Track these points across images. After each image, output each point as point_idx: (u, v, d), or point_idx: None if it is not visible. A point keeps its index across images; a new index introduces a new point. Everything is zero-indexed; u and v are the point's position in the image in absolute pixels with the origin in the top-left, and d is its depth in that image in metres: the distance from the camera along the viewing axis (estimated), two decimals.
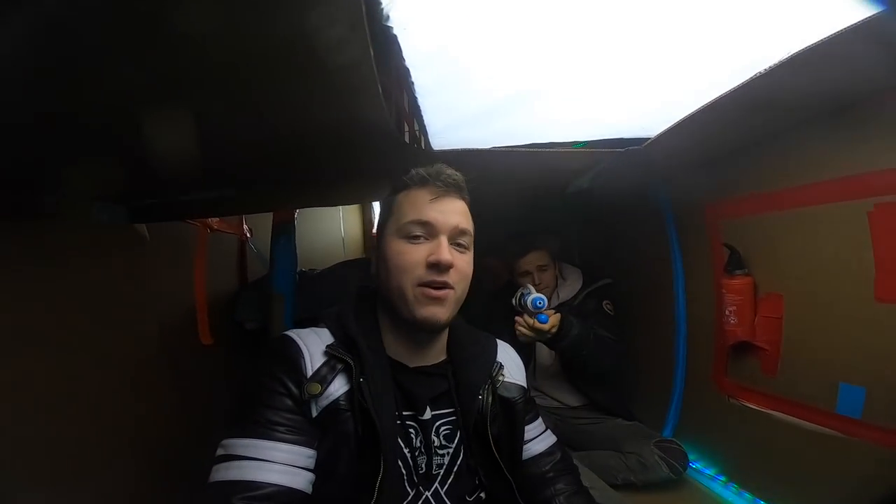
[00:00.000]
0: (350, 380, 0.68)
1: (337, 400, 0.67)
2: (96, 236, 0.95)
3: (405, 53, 0.80)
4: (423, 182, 0.73)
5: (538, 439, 0.89)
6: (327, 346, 0.71)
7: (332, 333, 0.73)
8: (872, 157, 0.92)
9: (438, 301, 0.69)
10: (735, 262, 1.23)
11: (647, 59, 0.88)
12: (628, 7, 0.78)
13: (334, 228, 2.07)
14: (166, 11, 0.44)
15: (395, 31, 0.75)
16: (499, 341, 0.89)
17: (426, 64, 0.82)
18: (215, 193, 1.10)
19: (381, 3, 0.67)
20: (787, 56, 0.79)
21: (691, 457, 1.34)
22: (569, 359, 1.46)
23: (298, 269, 1.38)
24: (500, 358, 0.84)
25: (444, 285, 0.69)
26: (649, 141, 1.13)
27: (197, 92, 0.62)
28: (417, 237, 0.71)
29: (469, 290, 0.75)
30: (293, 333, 0.74)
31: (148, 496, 0.97)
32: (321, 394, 0.67)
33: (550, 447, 0.89)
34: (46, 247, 0.83)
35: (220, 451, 0.63)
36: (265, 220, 1.41)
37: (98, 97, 0.58)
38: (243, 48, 0.52)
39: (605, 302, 1.57)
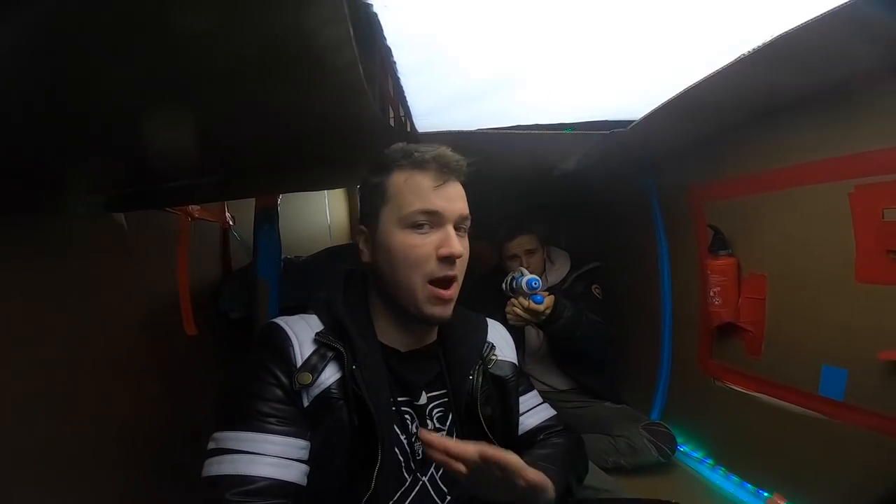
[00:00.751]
0: (342, 367, 0.67)
1: (329, 388, 0.66)
2: (71, 227, 0.92)
3: (386, 33, 0.78)
4: (422, 165, 0.69)
5: (533, 412, 0.88)
6: (317, 334, 0.69)
7: (321, 320, 0.72)
8: (853, 139, 0.92)
9: (447, 301, 0.69)
10: (719, 243, 1.24)
11: (631, 40, 0.87)
12: None
13: (320, 214, 2.04)
14: None
15: (376, 10, 0.72)
16: (489, 320, 0.88)
17: (408, 44, 0.80)
18: (196, 181, 1.07)
19: None
20: (768, 40, 0.78)
21: (679, 440, 1.35)
22: (561, 341, 1.45)
23: (283, 256, 1.36)
24: (490, 337, 0.84)
25: (454, 280, 0.69)
26: (634, 123, 1.12)
27: (183, 83, 0.60)
28: (423, 226, 0.68)
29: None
30: (281, 321, 0.72)
31: (133, 489, 0.95)
32: (312, 383, 0.65)
33: (548, 420, 0.88)
34: (21, 240, 0.80)
35: (211, 445, 0.62)
36: (248, 208, 1.38)
37: (84, 91, 0.56)
38: (234, 43, 0.51)
39: (593, 286, 1.57)
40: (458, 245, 0.68)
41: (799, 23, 0.73)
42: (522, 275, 1.35)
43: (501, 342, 0.86)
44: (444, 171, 0.69)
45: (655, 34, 0.87)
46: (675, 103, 1.01)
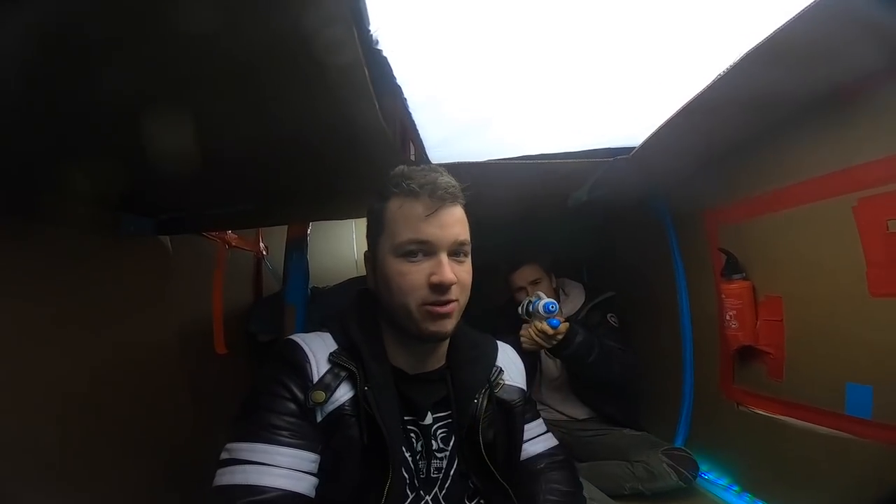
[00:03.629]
0: (354, 387, 0.69)
1: (342, 406, 0.68)
2: (124, 246, 1.03)
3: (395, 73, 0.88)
4: (414, 194, 0.69)
5: (537, 440, 0.89)
6: (331, 354, 0.71)
7: (336, 339, 0.74)
8: (854, 150, 0.93)
9: (444, 316, 0.69)
10: (732, 267, 1.24)
11: (631, 67, 0.91)
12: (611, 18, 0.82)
13: (346, 246, 2.15)
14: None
15: (385, 55, 0.82)
16: (500, 344, 0.88)
17: (415, 81, 0.89)
18: (234, 208, 1.19)
19: (369, 30, 0.75)
20: (754, 46, 0.78)
21: (703, 467, 1.30)
22: (575, 367, 1.44)
23: (311, 285, 1.45)
24: (500, 361, 0.84)
25: (448, 301, 0.69)
26: (634, 150, 1.16)
27: (217, 101, 0.67)
28: (415, 254, 0.69)
29: (473, 304, 0.76)
30: (299, 338, 0.75)
31: (157, 501, 0.99)
32: (326, 401, 0.68)
33: (551, 449, 0.88)
34: (77, 254, 0.89)
35: (224, 455, 0.63)
36: (280, 240, 1.50)
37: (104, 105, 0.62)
38: (251, 50, 0.57)
39: (609, 315, 1.57)
40: (449, 272, 0.68)
41: (791, 17, 0.71)
42: (539, 298, 1.35)
43: (511, 366, 0.87)
44: (436, 198, 0.69)
45: (652, 61, 0.90)
46: (670, 125, 1.04)
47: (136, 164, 0.80)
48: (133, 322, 1.03)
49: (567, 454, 0.90)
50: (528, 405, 0.88)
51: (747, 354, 1.23)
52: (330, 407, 0.68)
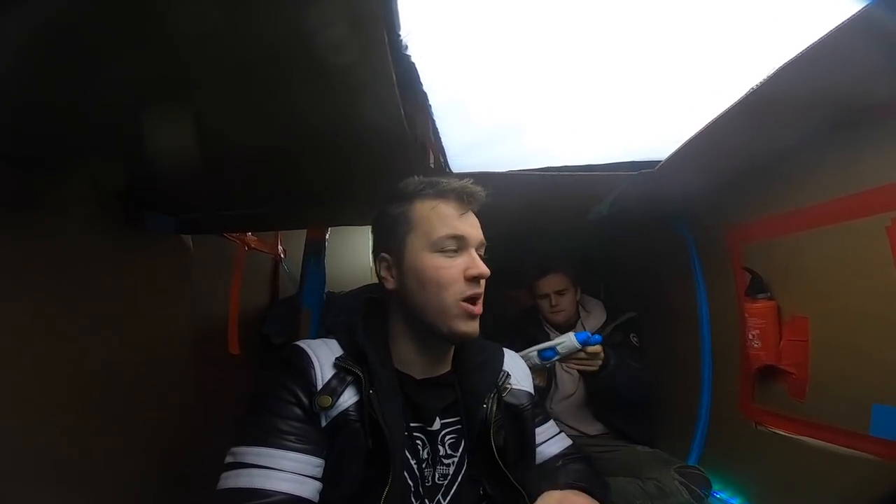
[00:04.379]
0: (360, 391, 0.70)
1: (346, 411, 0.69)
2: (146, 242, 1.05)
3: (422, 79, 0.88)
4: (445, 195, 0.76)
5: (552, 441, 0.89)
6: (337, 359, 0.73)
7: (342, 345, 0.76)
8: (889, 168, 0.91)
9: (476, 317, 0.73)
10: (756, 286, 1.22)
11: (657, 77, 0.91)
12: (633, 29, 0.83)
13: (362, 253, 2.16)
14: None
15: (413, 60, 0.83)
16: (506, 350, 0.89)
17: (441, 89, 0.90)
18: (255, 210, 1.20)
19: (399, 34, 0.76)
20: (787, 60, 0.78)
21: (716, 486, 1.28)
22: (604, 388, 1.39)
23: (327, 290, 1.45)
24: (506, 366, 0.85)
25: (480, 297, 0.74)
26: (660, 164, 1.15)
27: (239, 101, 0.67)
28: (451, 251, 0.73)
29: (490, 317, 0.78)
30: (304, 344, 0.76)
31: (161, 500, 0.99)
32: (331, 406, 0.69)
33: (567, 448, 0.89)
34: (98, 249, 0.90)
35: (229, 459, 0.65)
36: (298, 243, 1.51)
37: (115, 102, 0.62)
38: (263, 50, 0.57)
39: (631, 335, 1.57)
40: (484, 265, 0.73)
41: (817, 40, 0.72)
42: (563, 340, 1.23)
43: (517, 370, 0.88)
44: (465, 201, 0.76)
45: (677, 75, 0.90)
46: (696, 140, 1.03)
47: (156, 162, 0.79)
48: (149, 318, 1.04)
49: (584, 452, 0.90)
50: (537, 408, 0.89)
51: (768, 374, 1.20)
52: (335, 412, 0.69)
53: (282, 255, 1.60)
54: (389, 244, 0.78)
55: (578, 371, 1.34)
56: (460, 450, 0.75)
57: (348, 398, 0.70)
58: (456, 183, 0.76)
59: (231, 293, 1.32)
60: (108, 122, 0.67)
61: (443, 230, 0.73)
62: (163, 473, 1.00)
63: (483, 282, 0.74)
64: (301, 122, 0.75)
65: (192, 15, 0.48)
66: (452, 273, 0.72)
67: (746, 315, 1.24)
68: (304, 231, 1.48)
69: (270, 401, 0.69)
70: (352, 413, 0.69)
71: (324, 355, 0.74)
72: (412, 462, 0.72)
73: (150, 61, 0.55)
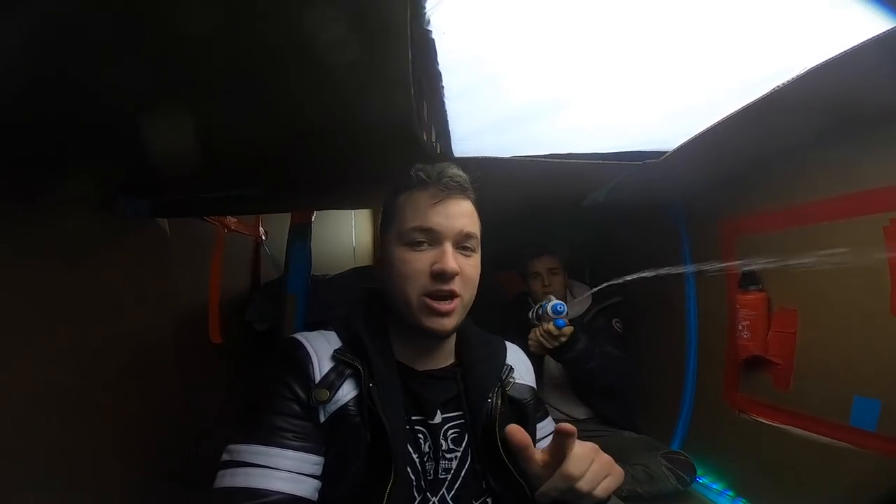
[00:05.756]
0: (359, 385, 0.68)
1: (346, 405, 0.67)
2: (119, 228, 0.96)
3: (439, 58, 0.81)
4: (423, 184, 0.70)
5: (549, 438, 0.87)
6: (335, 351, 0.70)
7: (340, 337, 0.73)
8: (888, 170, 0.94)
9: (443, 314, 0.68)
10: (749, 278, 1.25)
11: (669, 66, 0.88)
12: (653, 18, 0.79)
13: (345, 235, 2.08)
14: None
15: (434, 36, 0.76)
16: (509, 344, 0.88)
17: (458, 68, 0.84)
18: (238, 193, 1.11)
19: (424, 8, 0.69)
20: (803, 71, 0.79)
21: (699, 471, 1.33)
22: (574, 371, 1.47)
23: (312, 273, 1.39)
24: (510, 360, 0.83)
25: (451, 294, 0.68)
26: (667, 154, 1.14)
27: (223, 89, 0.64)
28: (420, 244, 0.69)
29: (480, 301, 0.74)
30: (301, 336, 0.73)
31: (146, 495, 0.95)
32: (329, 400, 0.66)
33: None
34: (69, 236, 0.83)
35: (225, 457, 0.62)
36: (280, 224, 1.43)
37: (113, 95, 0.60)
38: (263, 42, 0.54)
39: (614, 320, 1.60)
40: (452, 262, 0.67)
41: (831, 52, 0.74)
42: (549, 300, 1.39)
43: (520, 365, 0.86)
44: (443, 187, 0.69)
45: (689, 60, 0.88)
46: (706, 135, 1.03)
47: (137, 147, 0.74)
48: (126, 307, 0.97)
49: None
50: (538, 403, 0.88)
51: (754, 363, 1.25)
52: (333, 406, 0.66)
53: (263, 237, 1.50)
54: (381, 237, 0.77)
55: (534, 349, 1.38)
56: (463, 444, 0.74)
57: (347, 392, 0.67)
58: (434, 168, 0.71)
59: (211, 279, 1.24)
60: (80, 98, 0.60)
61: (411, 222, 0.69)
62: (149, 466, 0.96)
63: (457, 278, 0.68)
64: (294, 109, 0.72)
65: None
66: (416, 267, 0.68)
67: (737, 306, 1.27)
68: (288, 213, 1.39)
69: (267, 397, 0.66)
70: (351, 408, 0.67)
71: (321, 348, 0.71)
72: (414, 456, 0.70)
73: (136, 34, 0.50)
